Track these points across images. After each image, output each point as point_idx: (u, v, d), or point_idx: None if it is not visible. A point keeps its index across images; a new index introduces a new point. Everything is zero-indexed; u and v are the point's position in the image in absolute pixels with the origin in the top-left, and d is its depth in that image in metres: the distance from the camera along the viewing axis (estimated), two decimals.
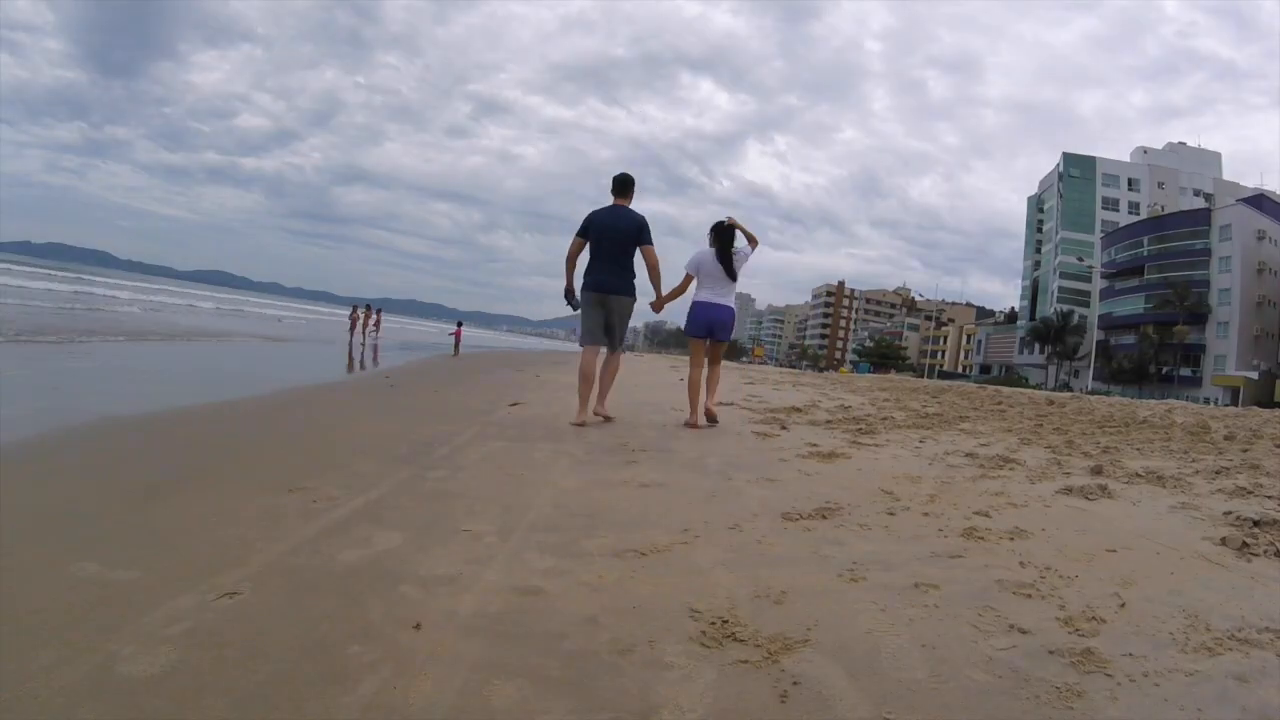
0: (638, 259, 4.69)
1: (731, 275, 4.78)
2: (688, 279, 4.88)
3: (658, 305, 4.86)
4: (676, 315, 5.58)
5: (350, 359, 13.06)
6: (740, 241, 4.84)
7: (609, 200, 4.74)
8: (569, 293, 4.73)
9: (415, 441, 3.73)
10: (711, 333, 4.87)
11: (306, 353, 13.85)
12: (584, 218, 4.67)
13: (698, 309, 4.84)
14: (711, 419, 4.84)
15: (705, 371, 4.90)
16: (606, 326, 4.72)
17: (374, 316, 22.21)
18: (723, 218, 4.81)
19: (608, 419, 4.82)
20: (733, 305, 4.90)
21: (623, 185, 4.70)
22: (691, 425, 4.73)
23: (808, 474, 3.30)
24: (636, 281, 4.75)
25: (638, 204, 4.79)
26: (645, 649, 1.45)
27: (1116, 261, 55.40)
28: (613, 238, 4.59)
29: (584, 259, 4.70)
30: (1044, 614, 1.66)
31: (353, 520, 2.22)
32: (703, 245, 4.93)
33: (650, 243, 4.66)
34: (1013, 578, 1.89)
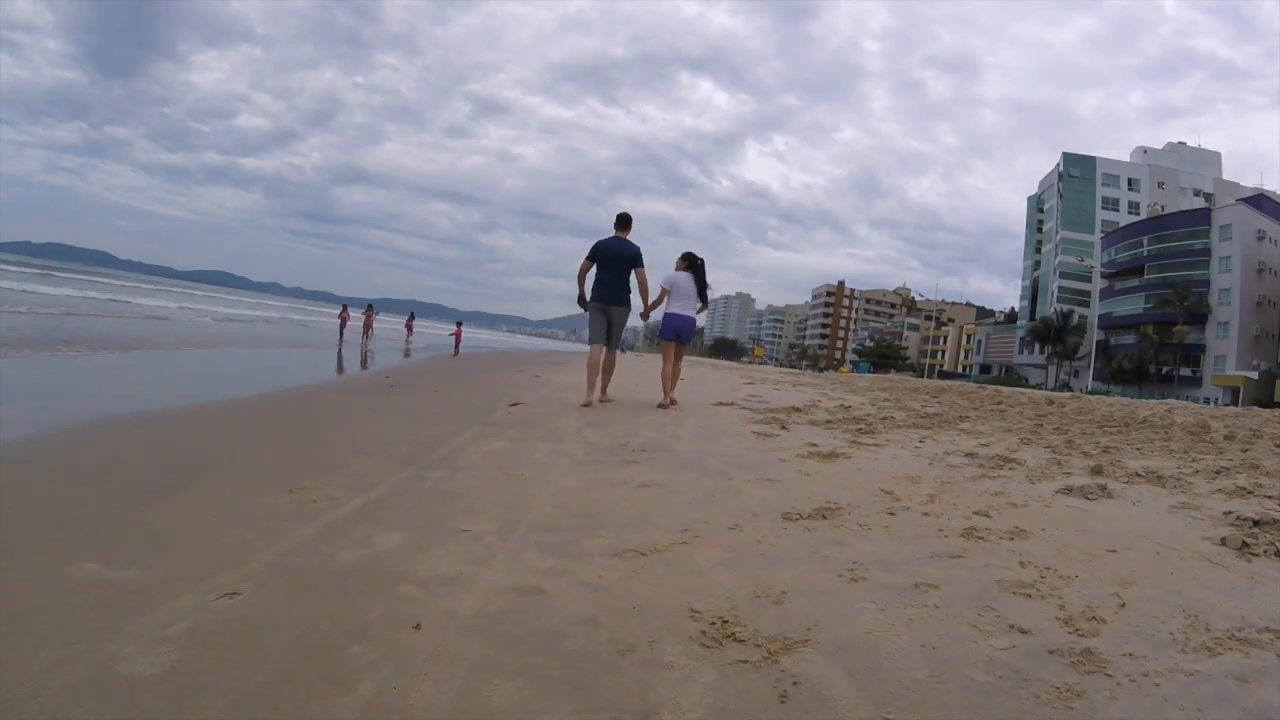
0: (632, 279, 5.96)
1: (702, 297, 6.15)
2: (664, 293, 6.06)
3: (645, 315, 6.11)
4: None
5: (361, 358, 13.13)
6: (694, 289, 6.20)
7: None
8: (581, 299, 5.94)
9: (415, 441, 3.73)
10: (678, 336, 6.19)
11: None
12: (592, 245, 5.80)
13: (669, 319, 6.12)
14: (672, 403, 6.05)
15: (671, 366, 6.24)
16: (608, 331, 5.89)
17: (383, 317, 21.87)
18: (691, 251, 6.25)
19: (608, 400, 5.92)
20: (694, 316, 6.18)
21: (624, 221, 5.92)
22: (663, 406, 5.96)
23: (808, 474, 3.30)
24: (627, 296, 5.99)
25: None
26: (645, 649, 1.45)
27: (1116, 261, 55.37)
28: (615, 263, 5.78)
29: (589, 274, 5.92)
30: (1044, 614, 1.66)
31: (353, 520, 2.22)
32: (693, 254, 6.31)
33: (643, 267, 5.87)
34: (1013, 578, 1.89)
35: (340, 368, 10.80)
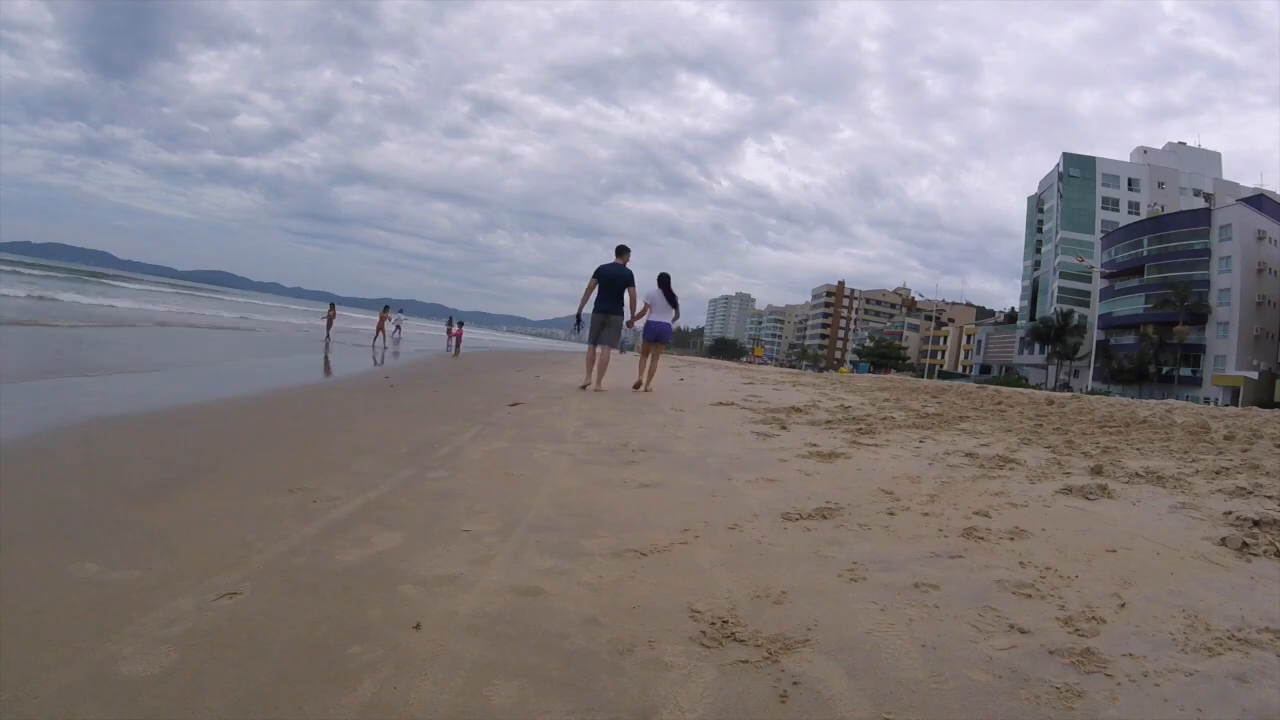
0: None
1: (674, 305, 7.97)
2: (647, 306, 7.85)
3: (631, 323, 7.90)
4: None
5: (377, 358, 13.16)
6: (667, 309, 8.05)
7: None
8: (579, 318, 7.64)
9: (415, 441, 3.73)
10: (658, 338, 8.07)
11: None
12: (596, 268, 7.56)
13: (650, 325, 8.03)
14: (647, 389, 7.81)
15: (649, 361, 8.12)
16: (604, 334, 7.62)
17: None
18: (665, 271, 8.03)
19: (602, 390, 7.51)
20: (669, 323, 8.03)
21: (621, 250, 7.73)
22: (636, 386, 7.86)
23: (808, 474, 3.30)
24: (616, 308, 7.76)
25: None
26: (645, 649, 1.45)
27: (1116, 261, 55.34)
28: (613, 283, 7.55)
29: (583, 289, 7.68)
30: (1044, 614, 1.66)
31: (353, 520, 2.22)
32: (665, 274, 8.08)
33: (634, 286, 7.63)
34: (1013, 578, 1.89)
35: (327, 369, 10.72)
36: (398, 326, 20.33)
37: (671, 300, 7.93)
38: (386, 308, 19.90)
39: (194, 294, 46.87)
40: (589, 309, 7.59)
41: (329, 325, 18.95)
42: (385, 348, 17.73)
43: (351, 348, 16.42)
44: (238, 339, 15.41)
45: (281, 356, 11.79)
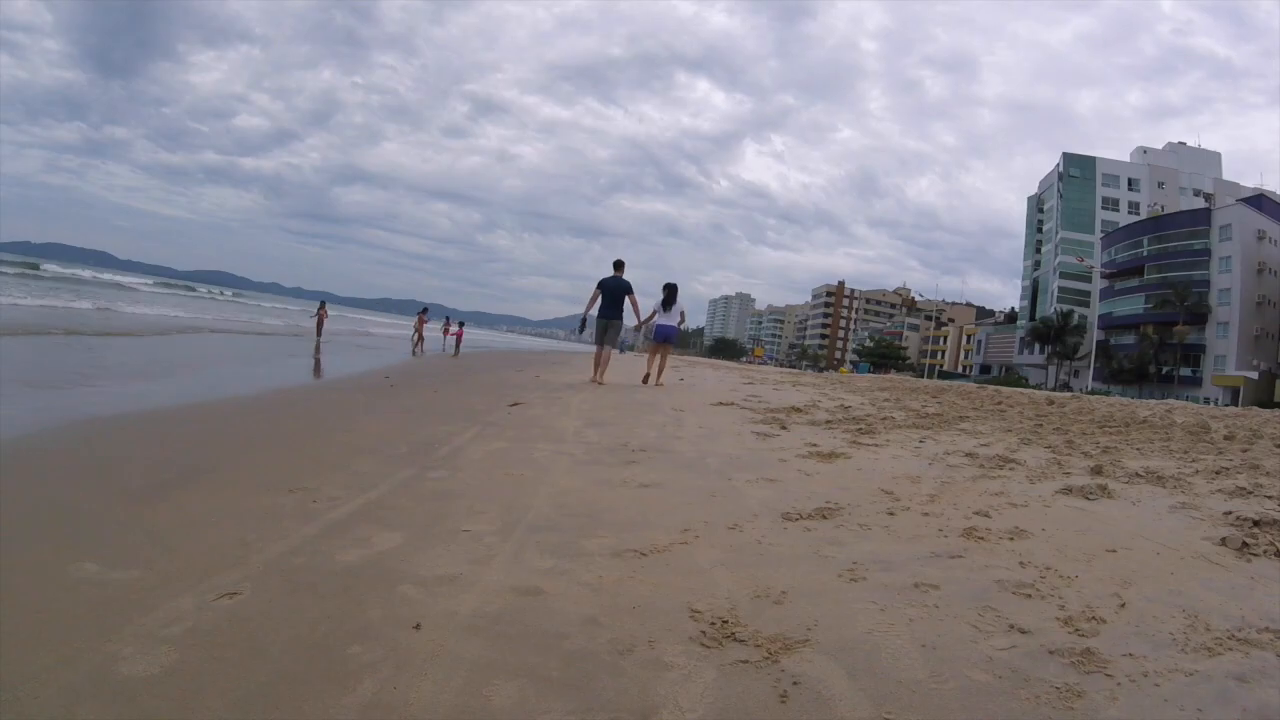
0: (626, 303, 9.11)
1: (673, 312, 9.24)
2: (653, 312, 9.27)
3: (637, 326, 9.51)
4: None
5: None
6: (678, 308, 9.37)
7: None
8: (583, 323, 9.02)
9: (415, 441, 3.73)
10: (665, 339, 9.34)
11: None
12: (599, 281, 8.86)
13: (657, 328, 9.32)
14: (659, 383, 8.97)
15: (658, 360, 9.32)
16: (608, 337, 8.98)
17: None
18: (671, 281, 9.36)
19: (605, 383, 8.56)
20: (675, 325, 9.28)
21: (619, 265, 9.07)
22: (644, 381, 8.94)
23: (808, 474, 3.30)
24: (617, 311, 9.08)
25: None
26: (645, 649, 1.45)
27: (1116, 261, 55.33)
28: (614, 292, 8.85)
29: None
30: (1044, 614, 1.66)
31: (353, 520, 2.22)
32: (671, 283, 9.47)
33: (633, 294, 8.96)
34: (1013, 578, 1.89)
35: (318, 371, 10.60)
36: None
37: (670, 305, 9.34)
38: (425, 310, 19.88)
39: (207, 297, 46.94)
40: (593, 313, 8.90)
41: (319, 326, 18.36)
42: (423, 349, 17.93)
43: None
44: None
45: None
